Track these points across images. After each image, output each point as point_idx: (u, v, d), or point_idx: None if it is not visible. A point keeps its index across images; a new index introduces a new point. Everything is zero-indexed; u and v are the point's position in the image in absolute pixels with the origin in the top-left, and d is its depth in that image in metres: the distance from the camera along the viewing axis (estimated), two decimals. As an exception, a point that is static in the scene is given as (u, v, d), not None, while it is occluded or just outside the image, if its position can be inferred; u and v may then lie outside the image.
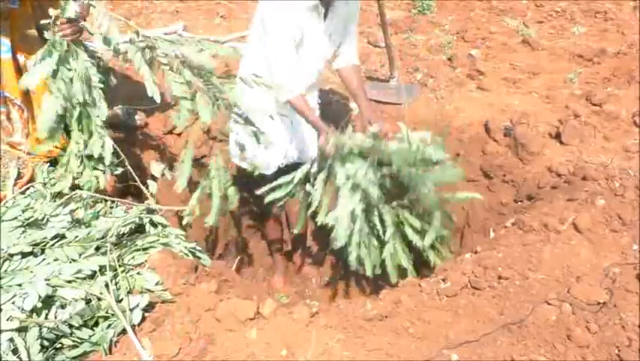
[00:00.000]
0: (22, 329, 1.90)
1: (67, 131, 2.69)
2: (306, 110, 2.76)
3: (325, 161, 2.77)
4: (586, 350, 1.95)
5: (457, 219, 3.41)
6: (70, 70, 2.54)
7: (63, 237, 2.29)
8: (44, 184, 2.65)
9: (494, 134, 3.45)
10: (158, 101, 2.42)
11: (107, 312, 2.05)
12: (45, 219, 2.38)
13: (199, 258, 2.59)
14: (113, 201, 2.69)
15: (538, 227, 2.58)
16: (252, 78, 2.52)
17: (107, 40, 2.42)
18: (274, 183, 2.84)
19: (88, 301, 2.04)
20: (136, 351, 1.95)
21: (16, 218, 2.32)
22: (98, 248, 2.30)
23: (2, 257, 2.14)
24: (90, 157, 2.66)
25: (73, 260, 2.21)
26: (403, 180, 2.78)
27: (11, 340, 1.87)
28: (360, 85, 2.99)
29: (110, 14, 2.48)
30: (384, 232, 2.78)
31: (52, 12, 2.47)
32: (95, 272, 2.17)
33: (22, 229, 2.30)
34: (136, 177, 2.99)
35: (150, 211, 2.70)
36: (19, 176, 2.64)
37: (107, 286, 2.10)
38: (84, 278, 2.14)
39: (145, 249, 2.42)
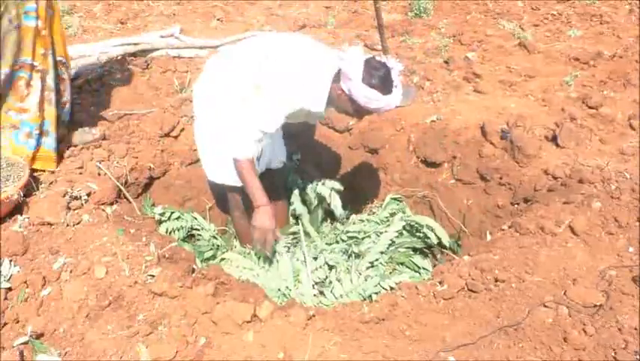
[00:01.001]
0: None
1: None
2: (250, 178, 2.68)
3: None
4: (582, 353, 1.96)
5: (454, 222, 3.43)
6: None
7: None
8: None
9: (491, 137, 3.45)
10: None
11: None
12: None
13: None
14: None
15: (535, 230, 2.59)
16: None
17: None
18: None
19: None
20: None
21: None
22: None
23: None
24: None
25: None
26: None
27: None
28: None
29: None
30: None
31: None
32: None
33: None
34: (121, 187, 3.02)
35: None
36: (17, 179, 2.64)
37: None
38: None
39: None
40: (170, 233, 3.11)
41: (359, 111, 2.64)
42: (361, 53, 2.59)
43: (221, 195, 3.27)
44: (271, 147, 3.05)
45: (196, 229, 3.31)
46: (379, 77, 2.49)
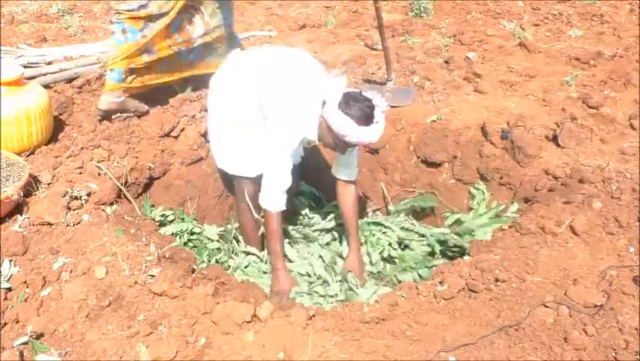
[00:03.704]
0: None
1: None
2: (274, 239, 2.78)
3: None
4: (583, 353, 1.95)
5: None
6: None
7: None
8: None
9: (491, 137, 3.45)
10: None
11: None
12: None
13: None
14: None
15: (535, 230, 2.59)
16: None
17: None
18: None
19: None
20: None
21: None
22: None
23: None
24: None
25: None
26: None
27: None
28: (350, 216, 3.02)
29: None
30: None
31: None
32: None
33: None
34: (121, 187, 3.01)
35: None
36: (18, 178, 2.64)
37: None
38: None
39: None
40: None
41: (336, 141, 2.63)
42: (344, 83, 2.62)
43: (230, 183, 3.31)
44: None
45: (196, 233, 3.31)
46: (357, 108, 2.49)
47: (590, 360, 1.94)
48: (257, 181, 2.93)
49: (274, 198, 2.72)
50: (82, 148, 3.15)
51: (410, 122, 3.76)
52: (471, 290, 2.33)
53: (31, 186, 2.72)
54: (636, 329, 2.00)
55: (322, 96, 2.62)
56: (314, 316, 2.20)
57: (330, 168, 3.11)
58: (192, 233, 3.28)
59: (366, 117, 2.49)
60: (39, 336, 2.06)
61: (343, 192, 3.02)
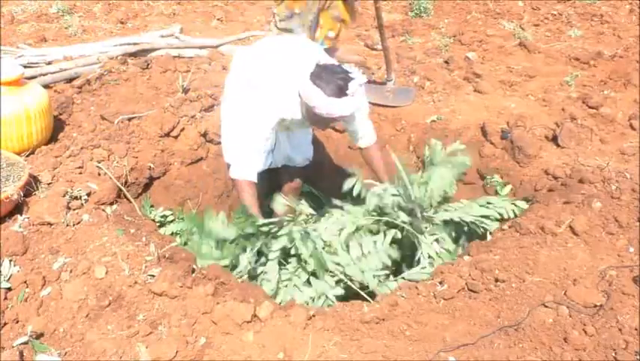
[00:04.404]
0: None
1: None
2: (248, 199, 2.73)
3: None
4: (582, 353, 1.96)
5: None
6: None
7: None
8: None
9: (491, 136, 3.46)
10: None
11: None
12: None
13: None
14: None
15: (535, 230, 2.59)
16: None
17: None
18: None
19: None
20: None
21: None
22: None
23: None
24: None
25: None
26: None
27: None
28: (379, 165, 3.03)
29: None
30: None
31: None
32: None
33: None
34: (121, 187, 3.01)
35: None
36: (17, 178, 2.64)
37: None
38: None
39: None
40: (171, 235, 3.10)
41: (310, 115, 2.59)
42: (321, 56, 2.61)
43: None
44: (289, 144, 3.13)
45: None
46: (330, 80, 2.44)
47: (589, 360, 1.94)
48: (262, 176, 2.95)
49: (243, 166, 2.71)
50: (82, 148, 3.15)
51: (410, 122, 3.76)
52: (471, 290, 2.33)
53: (31, 186, 2.71)
54: (636, 329, 2.00)
55: (300, 73, 2.56)
56: (314, 316, 2.20)
57: (330, 168, 3.12)
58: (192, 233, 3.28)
59: (338, 89, 2.43)
60: (39, 336, 2.06)
61: (367, 153, 3.03)
